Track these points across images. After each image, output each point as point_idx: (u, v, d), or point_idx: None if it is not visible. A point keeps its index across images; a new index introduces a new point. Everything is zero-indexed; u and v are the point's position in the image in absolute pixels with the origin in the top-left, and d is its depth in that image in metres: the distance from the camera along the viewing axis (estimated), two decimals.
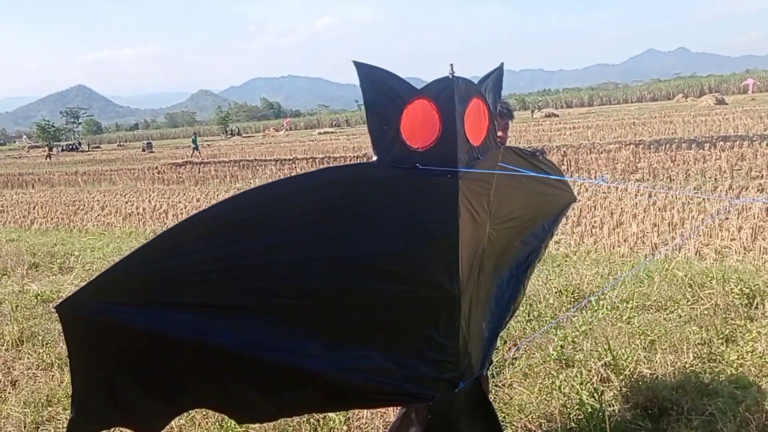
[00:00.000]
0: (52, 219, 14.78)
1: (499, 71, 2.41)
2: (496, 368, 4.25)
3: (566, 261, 6.79)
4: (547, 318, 5.10)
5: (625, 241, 7.81)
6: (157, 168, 27.16)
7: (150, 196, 17.50)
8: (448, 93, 2.09)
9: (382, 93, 2.00)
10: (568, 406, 3.70)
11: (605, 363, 4.12)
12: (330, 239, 2.08)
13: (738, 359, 4.14)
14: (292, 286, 2.06)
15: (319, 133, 69.91)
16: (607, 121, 32.94)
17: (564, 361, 4.28)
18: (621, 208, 9.71)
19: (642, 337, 4.55)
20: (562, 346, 4.42)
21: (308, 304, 2.10)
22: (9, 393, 4.55)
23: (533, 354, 4.46)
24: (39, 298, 6.78)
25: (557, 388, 3.83)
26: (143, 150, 57.49)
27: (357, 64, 1.96)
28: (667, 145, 17.45)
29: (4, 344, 5.47)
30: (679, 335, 4.53)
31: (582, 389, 3.77)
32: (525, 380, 4.10)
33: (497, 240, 2.68)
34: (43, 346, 5.35)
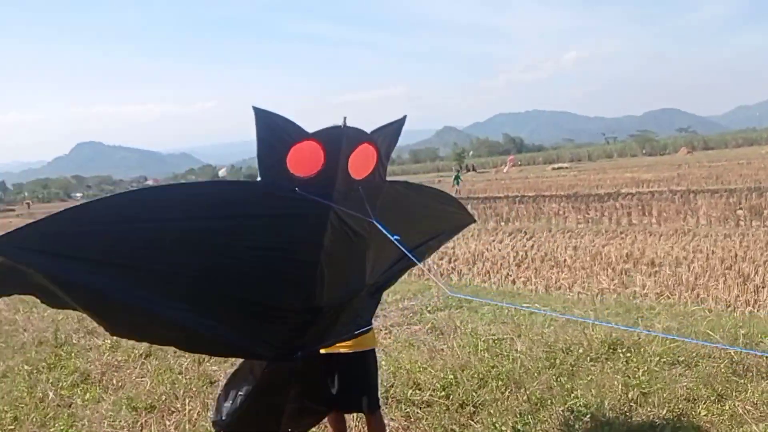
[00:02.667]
0: None
1: (399, 123, 3.08)
2: None
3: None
4: None
5: None
6: None
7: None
8: (335, 137, 2.74)
9: (273, 132, 2.65)
10: None
11: None
12: (206, 231, 2.74)
13: None
14: (171, 260, 2.71)
15: (552, 168, 69.25)
16: None
17: None
18: None
19: None
20: None
21: (180, 274, 2.77)
22: None
23: None
24: None
25: None
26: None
27: (255, 109, 2.60)
28: None
29: None
30: None
31: None
32: None
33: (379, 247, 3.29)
34: None
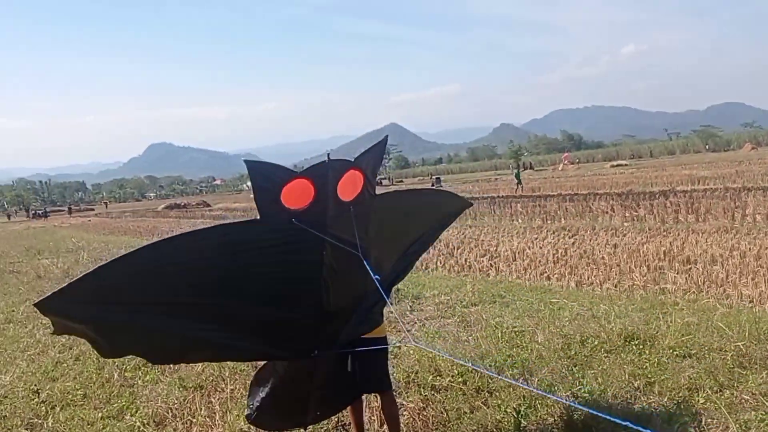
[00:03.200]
0: None
1: (381, 144, 3.64)
2: None
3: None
4: None
5: None
6: None
7: None
8: (321, 171, 3.31)
9: (265, 177, 3.22)
10: None
11: None
12: (222, 268, 3.35)
13: None
14: (200, 293, 3.35)
15: (611, 166, 68.15)
16: None
17: None
18: None
19: None
20: None
21: (209, 304, 3.40)
22: None
23: None
24: None
25: None
26: (432, 185, 61.26)
27: (247, 163, 3.18)
28: None
29: None
30: None
31: None
32: None
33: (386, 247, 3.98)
34: None
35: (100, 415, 5.57)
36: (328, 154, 3.31)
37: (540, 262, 11.20)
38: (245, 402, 4.36)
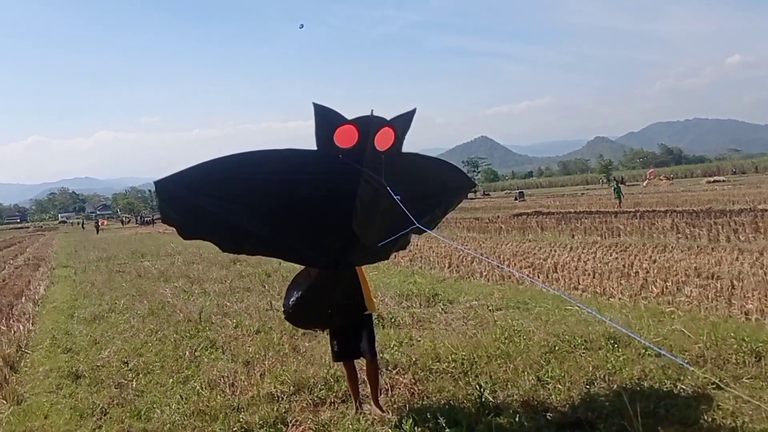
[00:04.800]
0: None
1: (411, 113, 4.53)
2: None
3: None
4: None
5: None
6: (490, 218, 30.82)
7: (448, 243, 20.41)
8: (365, 122, 4.20)
9: (324, 118, 4.14)
10: None
11: None
12: (283, 181, 4.43)
13: None
14: (263, 198, 4.45)
15: (708, 182, 66.34)
16: None
17: None
18: None
19: None
20: None
21: (268, 206, 4.50)
22: None
23: None
24: None
25: None
26: (515, 199, 61.15)
27: (314, 105, 4.07)
28: None
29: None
30: None
31: None
32: None
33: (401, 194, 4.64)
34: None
35: (171, 380, 7.07)
36: (372, 110, 4.30)
37: (575, 274, 12.10)
38: (281, 307, 5.61)
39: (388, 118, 4.40)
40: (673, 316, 8.13)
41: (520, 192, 68.83)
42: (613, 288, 10.39)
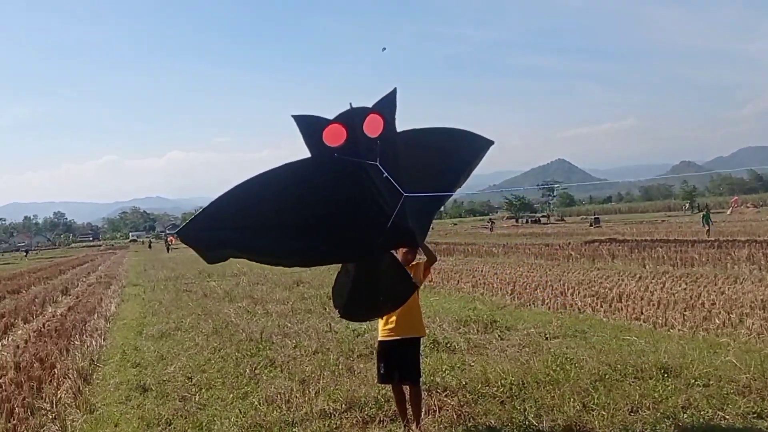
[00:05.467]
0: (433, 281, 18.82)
1: (392, 93, 4.63)
2: None
3: None
4: None
5: None
6: (561, 244, 30.37)
7: (515, 269, 20.09)
8: (349, 116, 4.38)
9: (308, 125, 4.33)
10: None
11: None
12: (292, 195, 4.48)
13: None
14: (285, 215, 4.61)
15: None
16: None
17: None
18: None
19: None
20: None
21: (291, 222, 4.62)
22: None
23: None
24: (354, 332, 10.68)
25: None
26: (590, 225, 59.43)
27: (294, 117, 4.26)
28: None
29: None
30: None
31: None
32: None
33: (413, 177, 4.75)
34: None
35: (231, 396, 7.45)
36: (351, 103, 4.48)
37: (639, 304, 11.91)
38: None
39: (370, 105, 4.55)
40: (728, 348, 8.01)
41: (596, 218, 67.08)
42: (675, 319, 10.19)
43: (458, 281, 17.91)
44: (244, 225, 4.48)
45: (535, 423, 5.80)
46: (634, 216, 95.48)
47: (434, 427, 5.90)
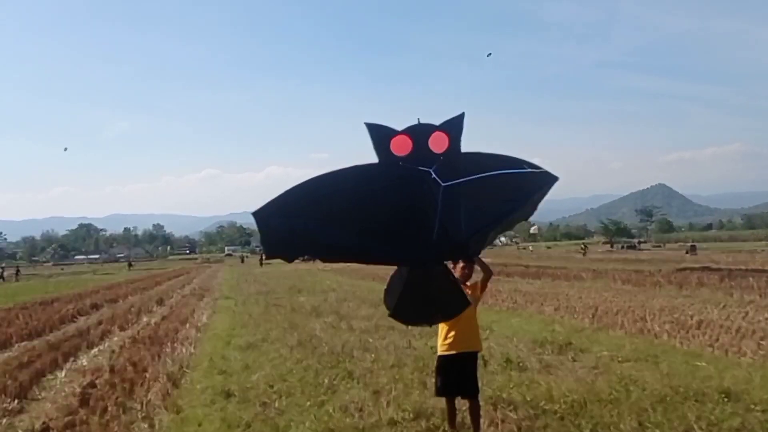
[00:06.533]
0: (501, 302, 19.05)
1: (460, 116, 4.84)
2: None
3: None
4: None
5: None
6: (651, 270, 29.65)
7: (600, 294, 19.89)
8: (417, 130, 4.74)
9: (378, 132, 4.70)
10: None
11: None
12: (360, 194, 4.73)
13: None
14: (352, 213, 4.72)
15: None
16: None
17: None
18: None
19: None
20: None
21: (357, 220, 4.74)
22: None
23: None
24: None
25: None
26: (686, 252, 57.60)
27: (367, 124, 4.68)
28: None
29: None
30: None
31: None
32: None
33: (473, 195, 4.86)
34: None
35: (308, 403, 8.05)
36: (419, 118, 4.82)
37: (717, 332, 11.81)
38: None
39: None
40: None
41: (692, 245, 64.66)
42: (748, 347, 10.12)
43: (541, 303, 18.01)
44: (313, 216, 4.72)
45: None
46: (733, 245, 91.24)
47: None
